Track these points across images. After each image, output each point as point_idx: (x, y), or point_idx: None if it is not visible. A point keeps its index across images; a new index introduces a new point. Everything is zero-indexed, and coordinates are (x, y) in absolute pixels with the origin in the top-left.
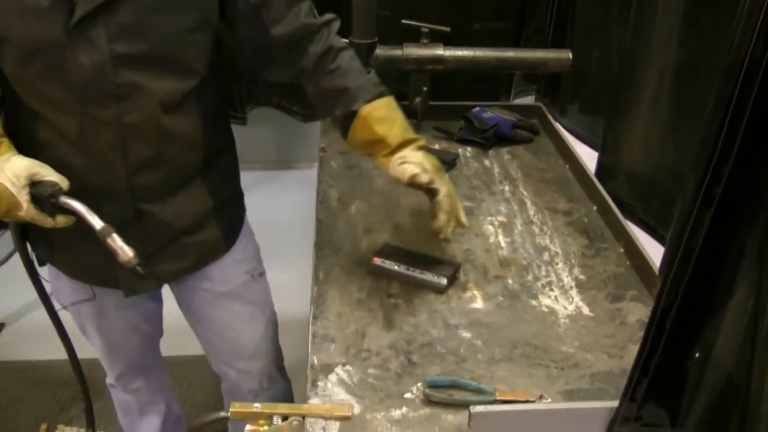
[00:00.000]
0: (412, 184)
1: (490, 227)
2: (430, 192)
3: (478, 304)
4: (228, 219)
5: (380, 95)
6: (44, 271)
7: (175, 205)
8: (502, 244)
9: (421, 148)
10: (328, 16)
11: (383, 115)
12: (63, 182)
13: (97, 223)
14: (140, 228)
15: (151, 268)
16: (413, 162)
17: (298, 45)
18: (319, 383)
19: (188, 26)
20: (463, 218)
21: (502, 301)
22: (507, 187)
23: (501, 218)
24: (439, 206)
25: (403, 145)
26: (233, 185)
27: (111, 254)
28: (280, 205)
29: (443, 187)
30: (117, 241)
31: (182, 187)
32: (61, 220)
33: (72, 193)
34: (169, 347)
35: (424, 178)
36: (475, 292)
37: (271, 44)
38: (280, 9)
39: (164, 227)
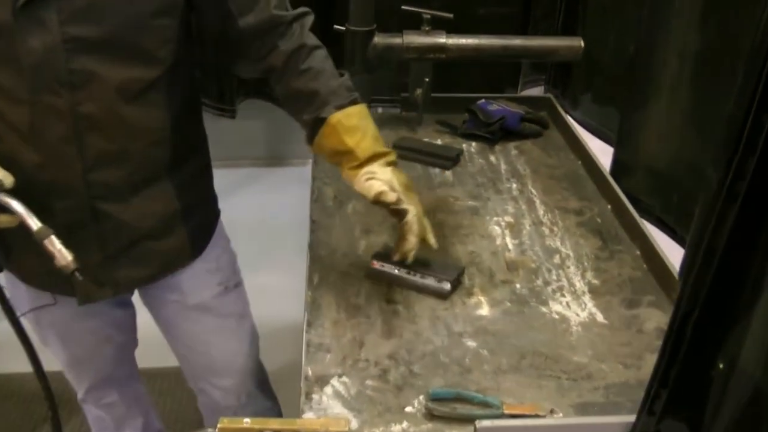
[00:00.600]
0: (378, 201)
1: (497, 228)
2: (397, 212)
3: (484, 310)
4: (197, 223)
5: (353, 102)
6: (2, 278)
7: (137, 206)
8: (510, 246)
9: (390, 163)
10: (301, 9)
11: (354, 125)
12: (6, 179)
13: (34, 224)
14: (97, 230)
15: (108, 274)
16: (381, 179)
17: (267, 39)
18: (313, 396)
19: (149, 10)
20: (432, 239)
21: (510, 307)
22: (514, 185)
23: (508, 218)
24: (409, 228)
25: (373, 158)
26: (204, 186)
27: (50, 258)
28: (271, 204)
29: (412, 208)
30: (55, 244)
31: (146, 186)
32: (4, 219)
33: (22, 190)
34: (149, 358)
35: (391, 197)
36: (481, 298)
37: (240, 36)
38: None
39: (124, 230)
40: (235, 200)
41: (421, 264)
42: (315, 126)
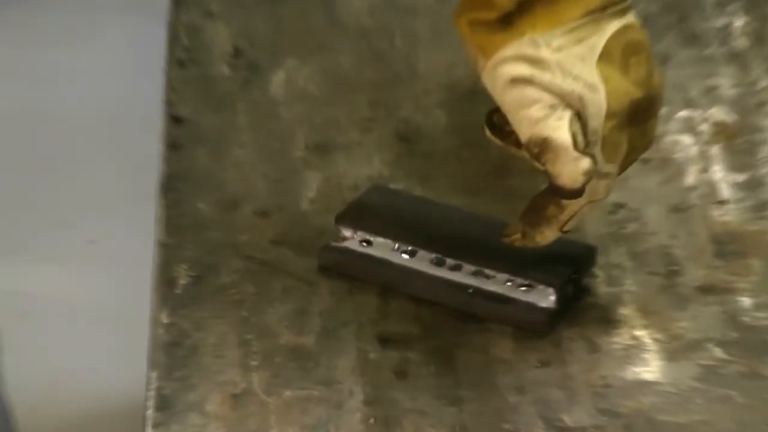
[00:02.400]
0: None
1: (686, 139)
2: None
3: (652, 367)
4: None
5: None
6: None
7: None
8: (722, 188)
9: (617, 13)
10: None
11: None
12: None
13: None
14: None
15: None
16: (561, 92)
17: None
18: None
19: None
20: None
21: (722, 360)
22: (738, 21)
23: (718, 113)
24: (562, 214)
25: (534, 4)
26: None
27: None
28: (58, 76)
29: (602, 183)
30: None
31: None
32: None
33: None
34: None
35: (576, 179)
36: (641, 333)
37: None
38: None
39: None
40: None
41: (471, 239)
42: None
